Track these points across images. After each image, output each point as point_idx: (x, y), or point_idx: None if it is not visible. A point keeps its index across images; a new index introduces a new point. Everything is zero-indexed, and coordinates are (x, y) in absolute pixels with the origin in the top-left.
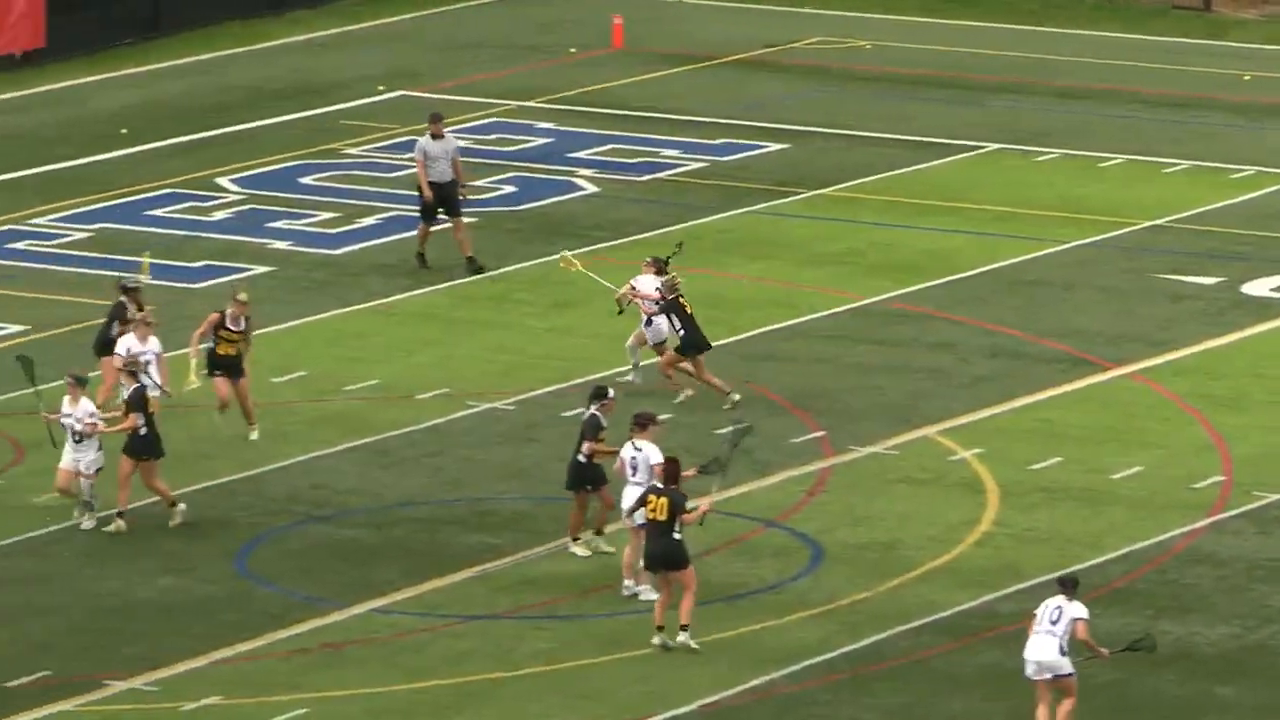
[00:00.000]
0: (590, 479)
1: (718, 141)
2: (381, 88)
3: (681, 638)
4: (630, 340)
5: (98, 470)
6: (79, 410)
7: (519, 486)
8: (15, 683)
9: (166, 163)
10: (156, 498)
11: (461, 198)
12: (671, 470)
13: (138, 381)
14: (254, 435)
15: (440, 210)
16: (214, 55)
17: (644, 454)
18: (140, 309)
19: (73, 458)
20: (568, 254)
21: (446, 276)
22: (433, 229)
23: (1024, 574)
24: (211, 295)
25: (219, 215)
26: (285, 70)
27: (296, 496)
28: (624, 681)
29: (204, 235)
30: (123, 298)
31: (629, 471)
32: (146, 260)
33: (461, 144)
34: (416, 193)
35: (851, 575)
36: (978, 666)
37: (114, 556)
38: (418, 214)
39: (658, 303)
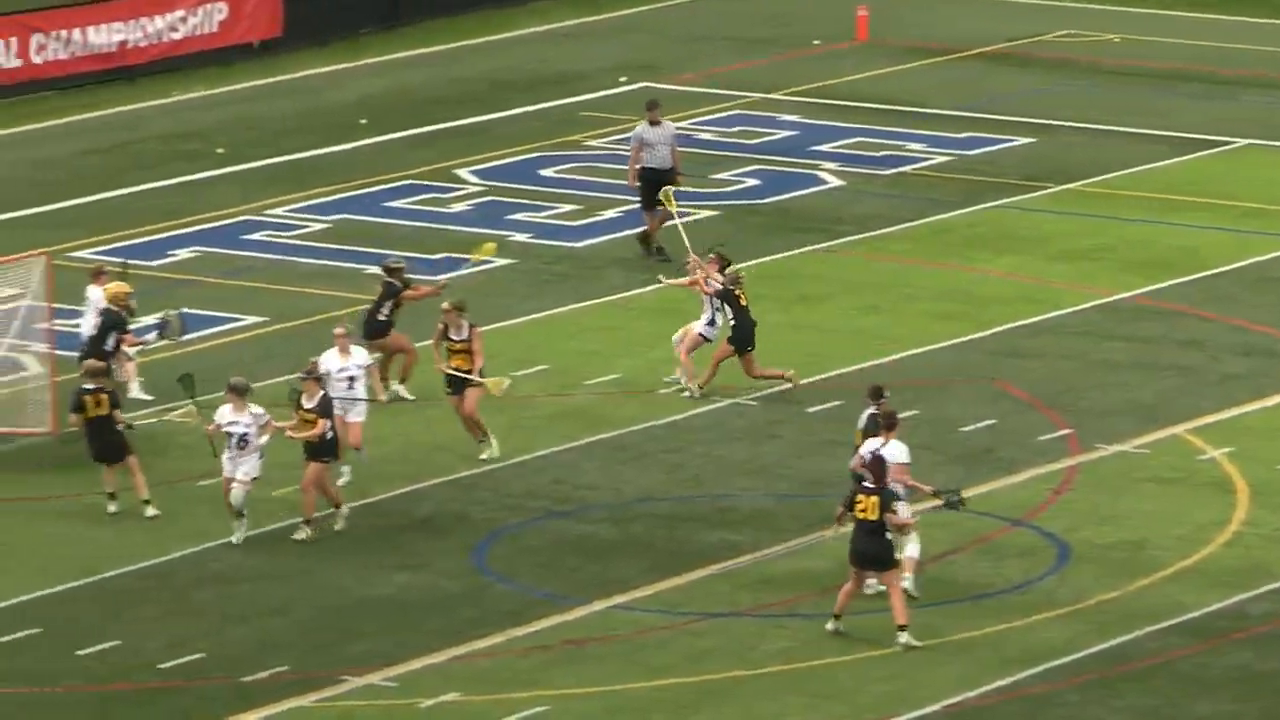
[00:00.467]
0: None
1: (963, 135)
2: (623, 79)
3: (902, 638)
4: (681, 340)
5: (254, 479)
6: (245, 417)
7: (760, 483)
8: (251, 678)
9: (406, 154)
10: (366, 498)
11: (676, 186)
12: (879, 469)
13: (323, 389)
14: (486, 454)
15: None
16: (454, 45)
17: (888, 451)
18: (406, 286)
19: (231, 466)
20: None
21: (683, 272)
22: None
23: (1275, 574)
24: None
25: (458, 207)
26: (525, 61)
27: (535, 492)
28: (866, 681)
29: (443, 227)
30: (389, 278)
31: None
32: (476, 256)
33: (705, 136)
34: (630, 184)
35: (1098, 575)
36: (1226, 668)
37: (349, 552)
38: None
39: (721, 287)
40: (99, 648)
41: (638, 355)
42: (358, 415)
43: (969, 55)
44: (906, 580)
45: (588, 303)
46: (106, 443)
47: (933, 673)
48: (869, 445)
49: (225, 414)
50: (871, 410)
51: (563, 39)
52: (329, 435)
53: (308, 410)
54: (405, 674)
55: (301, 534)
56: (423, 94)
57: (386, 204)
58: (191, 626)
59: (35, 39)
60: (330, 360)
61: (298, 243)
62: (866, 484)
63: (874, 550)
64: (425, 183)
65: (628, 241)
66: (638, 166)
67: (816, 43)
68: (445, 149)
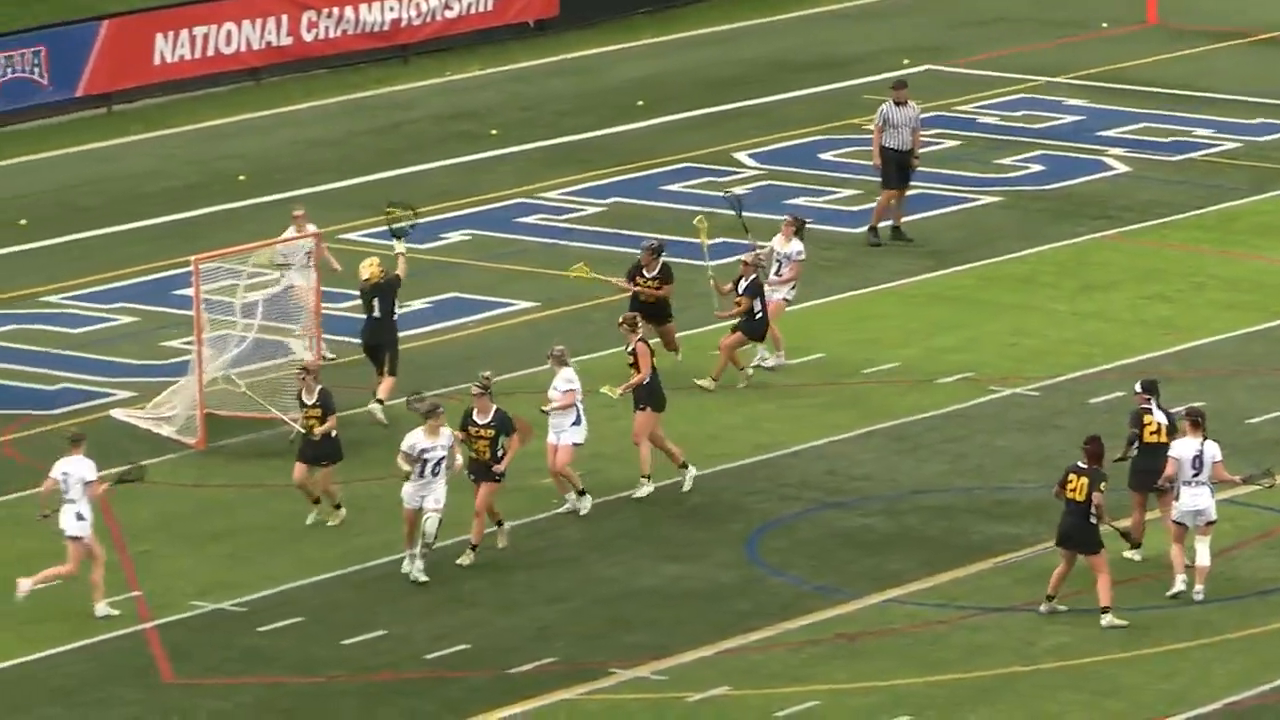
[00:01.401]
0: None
1: (1254, 121)
2: (906, 61)
3: (1105, 620)
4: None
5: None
6: (441, 440)
7: (1040, 475)
8: (519, 669)
9: (683, 136)
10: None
11: (913, 168)
12: (1095, 450)
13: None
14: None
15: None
16: (732, 26)
17: (1206, 451)
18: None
19: (417, 494)
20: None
21: (964, 258)
22: (894, 201)
23: None
24: (722, 272)
25: (736, 191)
26: (806, 42)
27: (810, 482)
28: (1145, 679)
29: (717, 211)
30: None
31: (1188, 470)
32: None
33: (988, 120)
34: (874, 164)
35: None
36: None
37: (619, 542)
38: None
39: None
40: (365, 637)
41: (916, 343)
42: (571, 437)
43: (1262, 39)
44: (1198, 590)
45: (867, 289)
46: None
47: (1212, 670)
48: (1181, 446)
49: (419, 440)
50: (1148, 406)
51: (845, 20)
52: (500, 454)
53: (485, 426)
54: (674, 667)
55: (466, 559)
56: (700, 75)
57: (663, 187)
58: (459, 617)
59: (306, 16)
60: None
61: (571, 225)
62: (1079, 464)
63: (1077, 532)
64: (702, 165)
65: (908, 227)
66: (881, 146)
67: (1105, 25)
68: (723, 131)
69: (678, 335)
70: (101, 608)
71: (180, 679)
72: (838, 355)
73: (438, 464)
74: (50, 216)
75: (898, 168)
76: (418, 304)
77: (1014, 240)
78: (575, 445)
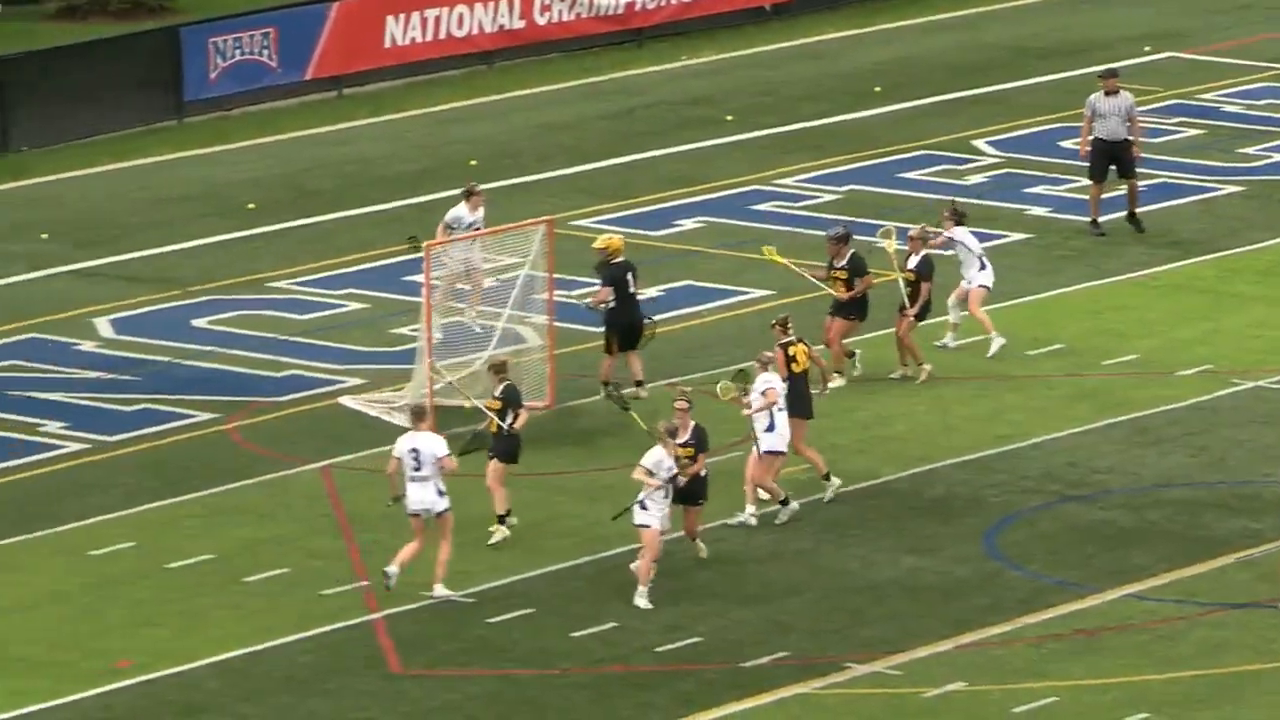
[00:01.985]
0: None
1: None
2: (1148, 48)
3: None
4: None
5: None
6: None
7: None
8: (753, 663)
9: (921, 123)
10: (874, 479)
11: (1135, 157)
12: None
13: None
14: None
15: (1114, 169)
16: (973, 11)
17: None
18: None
19: (661, 515)
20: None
21: (1206, 248)
22: (1104, 194)
23: None
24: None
25: (974, 179)
26: (1047, 28)
27: (1051, 475)
28: None
29: (957, 200)
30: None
31: None
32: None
33: (1232, 109)
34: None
35: None
36: None
37: (855, 535)
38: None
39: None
40: (596, 629)
41: (1158, 334)
42: (763, 444)
43: None
44: None
45: (1107, 280)
46: (508, 445)
47: None
48: None
49: (662, 460)
50: None
51: (1088, 5)
52: (703, 474)
53: (684, 445)
54: (910, 662)
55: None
56: (940, 61)
57: (900, 175)
58: (692, 609)
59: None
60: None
61: (806, 214)
62: None
63: None
64: (941, 153)
65: (1150, 216)
66: (1089, 137)
67: None
68: (963, 118)
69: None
70: (441, 589)
71: (409, 670)
72: (1078, 346)
73: (673, 479)
74: (279, 201)
75: (1113, 159)
76: (651, 291)
77: (1257, 231)
78: (770, 454)
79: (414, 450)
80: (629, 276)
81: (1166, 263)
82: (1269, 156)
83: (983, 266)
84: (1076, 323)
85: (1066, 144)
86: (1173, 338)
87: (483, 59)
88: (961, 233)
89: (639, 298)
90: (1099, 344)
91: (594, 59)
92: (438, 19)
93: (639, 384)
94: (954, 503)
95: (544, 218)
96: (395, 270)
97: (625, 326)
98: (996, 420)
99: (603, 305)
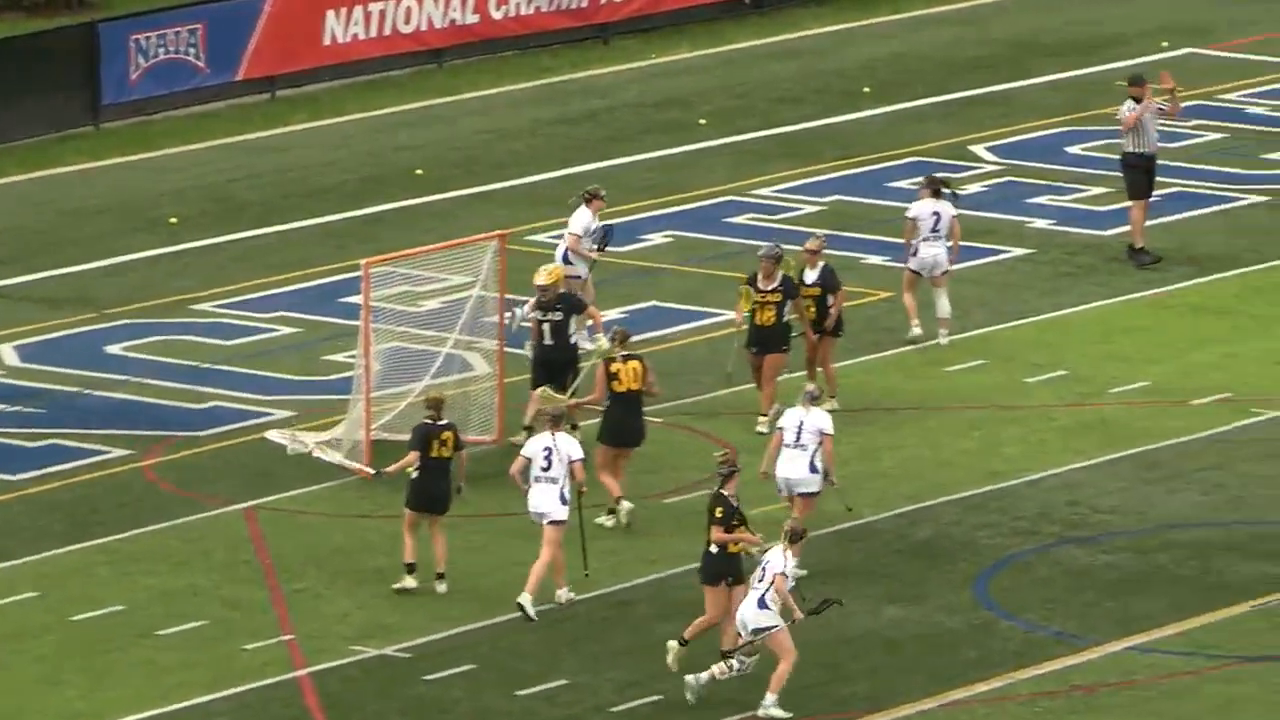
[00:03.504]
0: None
1: None
2: (1165, 44)
3: None
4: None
5: None
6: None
7: None
8: None
9: (915, 126)
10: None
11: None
12: None
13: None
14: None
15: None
16: (974, 4)
17: None
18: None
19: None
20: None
21: (1226, 264)
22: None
23: None
24: (955, 281)
25: (973, 188)
26: (1057, 22)
27: (1049, 514)
28: None
29: (954, 211)
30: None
31: None
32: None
33: (1255, 110)
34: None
35: None
36: None
37: (834, 582)
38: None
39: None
40: (544, 688)
41: (1172, 360)
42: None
43: None
44: None
45: (1116, 299)
46: (437, 491)
47: None
48: None
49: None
50: None
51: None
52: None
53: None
54: None
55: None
56: (935, 58)
57: (890, 184)
58: (651, 664)
59: None
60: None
61: (787, 227)
62: None
63: None
64: (936, 160)
65: (1165, 229)
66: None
67: None
68: (960, 122)
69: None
70: (564, 592)
71: None
72: (1082, 372)
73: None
74: (204, 214)
75: (1146, 171)
76: (614, 314)
77: (1276, 246)
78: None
79: (547, 449)
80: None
81: (1182, 280)
82: None
83: (916, 252)
84: (1082, 347)
85: (1074, 150)
86: (1188, 363)
87: (432, 57)
88: (933, 206)
89: (574, 337)
90: (1106, 370)
91: (554, 57)
92: (382, 13)
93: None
94: (943, 546)
95: (497, 232)
96: (331, 290)
97: (552, 363)
98: (991, 455)
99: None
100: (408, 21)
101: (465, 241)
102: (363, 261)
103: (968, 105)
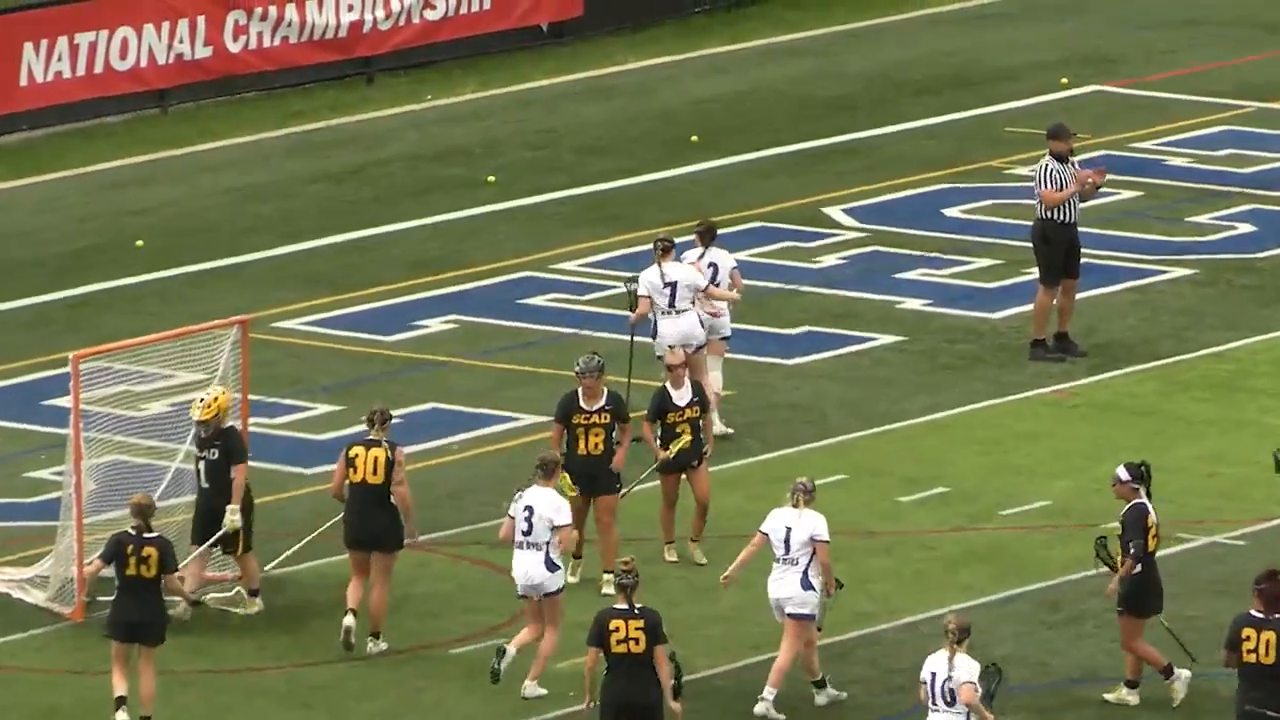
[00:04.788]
0: None
1: None
2: (1065, 80)
3: None
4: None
5: None
6: None
7: None
8: None
9: (756, 184)
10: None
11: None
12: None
13: None
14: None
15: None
16: (830, 30)
17: None
18: None
19: None
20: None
21: (1144, 354)
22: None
23: None
24: (807, 375)
25: (828, 260)
26: (929, 53)
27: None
28: None
29: (805, 289)
30: None
31: None
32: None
33: (1177, 163)
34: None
35: None
36: None
37: None
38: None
39: None
40: None
41: (1077, 473)
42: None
43: None
44: None
45: (1008, 398)
46: (142, 617)
47: None
48: None
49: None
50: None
51: (982, 23)
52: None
53: None
54: None
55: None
56: (782, 99)
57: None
58: None
59: (232, 19)
60: None
61: (596, 310)
62: (1254, 613)
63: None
64: (782, 226)
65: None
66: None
67: None
68: (812, 177)
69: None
70: (532, 687)
71: None
72: (968, 489)
73: None
74: None
75: (1069, 251)
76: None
77: (1213, 330)
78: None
79: (528, 508)
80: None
81: (1089, 374)
82: (1229, 227)
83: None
84: (966, 458)
85: (953, 212)
86: (1097, 477)
87: (154, 100)
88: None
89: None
90: (997, 486)
91: (307, 99)
92: (92, 47)
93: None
94: (798, 706)
95: (238, 317)
96: (33, 391)
97: (215, 512)
98: (856, 592)
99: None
100: (124, 56)
101: (198, 329)
102: (71, 355)
103: (821, 157)
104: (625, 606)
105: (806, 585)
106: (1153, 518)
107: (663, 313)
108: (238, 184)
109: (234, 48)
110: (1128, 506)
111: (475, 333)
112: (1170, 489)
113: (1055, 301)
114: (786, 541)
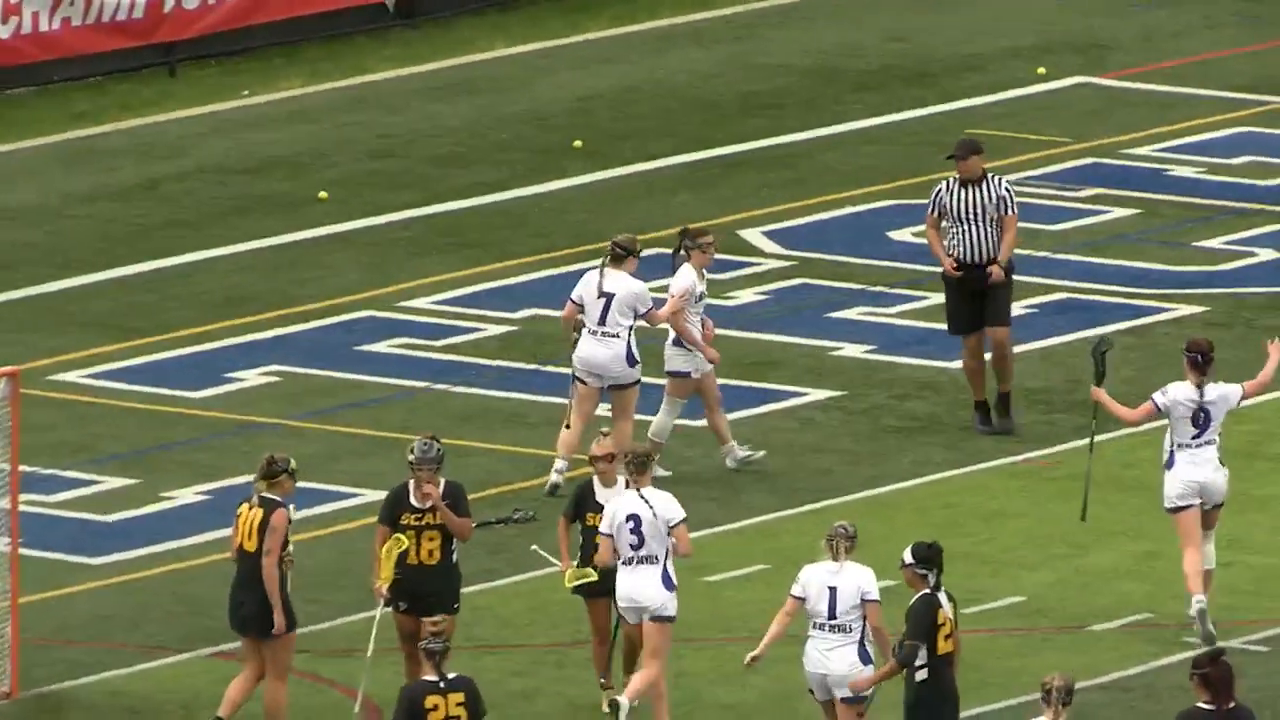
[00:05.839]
0: None
1: None
2: (1042, 70)
3: None
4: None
5: None
6: None
7: None
8: None
9: (655, 201)
10: None
11: (999, 283)
12: (1223, 676)
13: None
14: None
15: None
16: (748, 8)
17: None
18: None
19: None
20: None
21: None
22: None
23: None
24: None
25: (744, 295)
26: (874, 38)
27: None
28: None
29: (716, 333)
30: None
31: None
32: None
33: (1181, 174)
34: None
35: None
36: None
37: None
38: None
39: None
40: None
41: (1058, 562)
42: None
43: None
44: None
45: (969, 468)
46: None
47: None
48: None
49: None
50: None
51: (938, 1)
52: None
53: None
54: None
55: None
56: (687, 94)
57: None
58: None
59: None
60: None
61: (452, 358)
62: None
63: None
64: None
65: (1037, 357)
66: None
67: None
68: (725, 192)
69: None
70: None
71: None
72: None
73: None
74: None
75: (972, 296)
76: (204, 489)
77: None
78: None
79: (633, 517)
80: None
81: (1072, 439)
82: (1247, 254)
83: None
84: (904, 535)
85: (899, 235)
86: (1080, 567)
87: None
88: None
89: None
90: (958, 579)
91: (94, 96)
92: None
93: None
94: None
95: (4, 369)
96: None
97: None
98: (783, 710)
99: None
100: None
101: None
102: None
103: (735, 167)
104: (434, 678)
105: (865, 657)
106: (946, 612)
107: (589, 330)
108: (6, 204)
109: (2, 33)
110: (914, 598)
111: (302, 387)
112: (1176, 583)
113: (988, 357)
114: (832, 604)
